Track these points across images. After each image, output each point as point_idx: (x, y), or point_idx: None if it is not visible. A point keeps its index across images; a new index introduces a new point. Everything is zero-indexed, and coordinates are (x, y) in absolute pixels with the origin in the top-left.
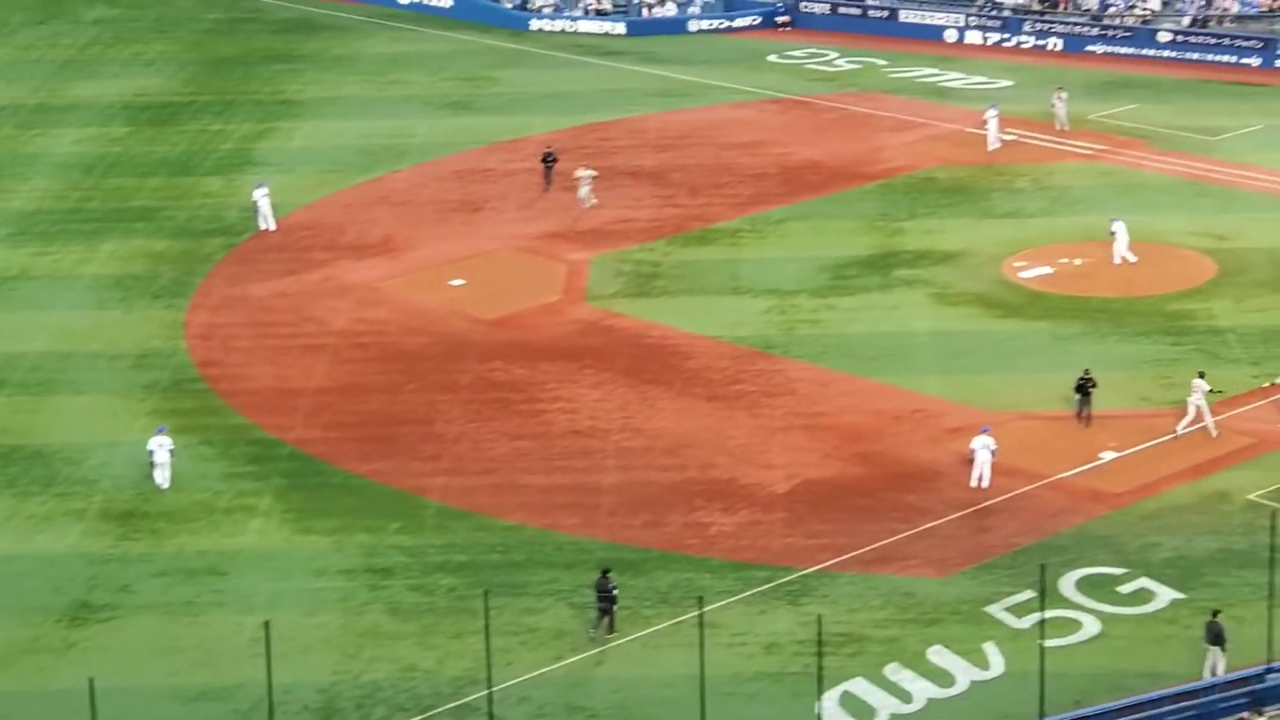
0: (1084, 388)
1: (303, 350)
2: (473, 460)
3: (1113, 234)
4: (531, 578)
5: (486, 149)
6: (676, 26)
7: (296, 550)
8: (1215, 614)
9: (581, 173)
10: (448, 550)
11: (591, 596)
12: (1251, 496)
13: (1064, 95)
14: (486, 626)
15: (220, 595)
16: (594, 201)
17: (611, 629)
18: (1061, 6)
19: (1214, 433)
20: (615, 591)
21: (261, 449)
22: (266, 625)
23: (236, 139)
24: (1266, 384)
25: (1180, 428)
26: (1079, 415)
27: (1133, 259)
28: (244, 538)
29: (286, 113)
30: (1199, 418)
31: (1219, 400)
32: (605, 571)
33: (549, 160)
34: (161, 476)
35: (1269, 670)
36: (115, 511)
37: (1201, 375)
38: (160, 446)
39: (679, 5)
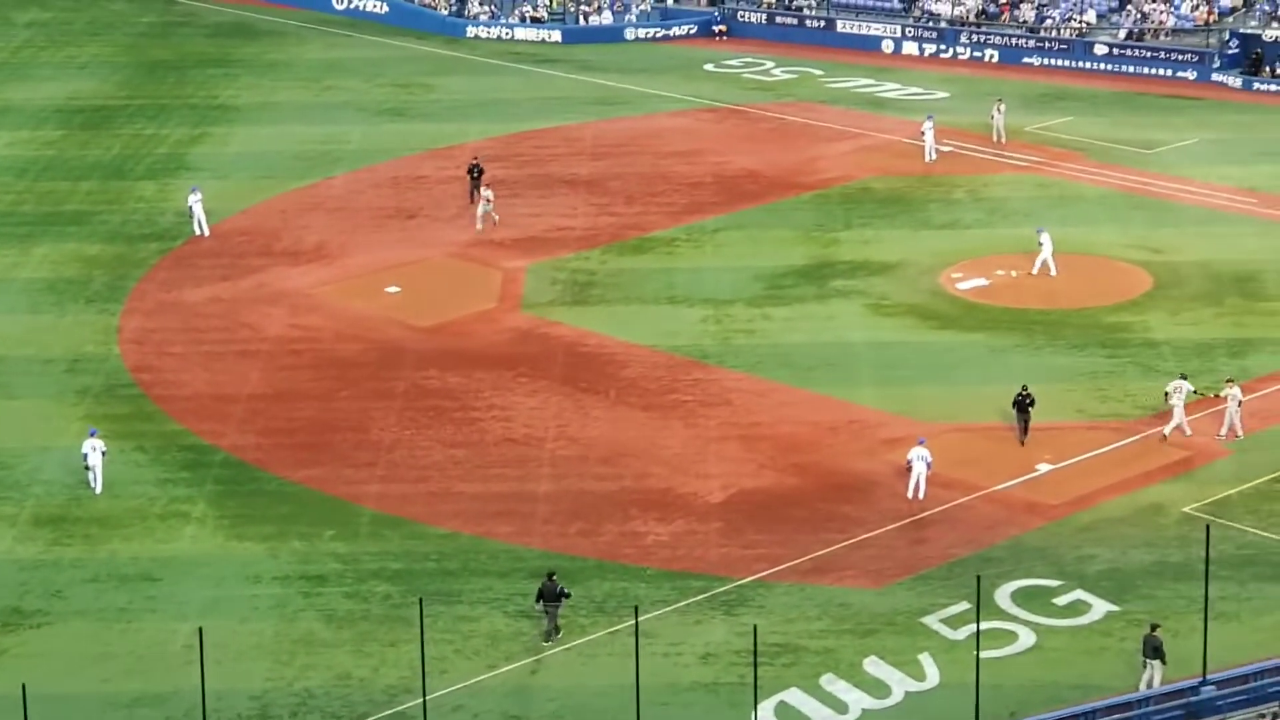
0: (1022, 404)
1: (237, 356)
2: (407, 468)
3: (1040, 245)
4: (466, 586)
5: (422, 156)
6: (613, 35)
7: (231, 557)
8: (1154, 627)
9: (484, 192)
10: (382, 558)
11: (528, 605)
12: (1186, 509)
13: (1003, 107)
14: (421, 634)
15: (153, 602)
16: (484, 221)
17: (549, 636)
18: (1004, 16)
19: (1166, 435)
20: (564, 590)
21: (195, 455)
22: (200, 632)
23: (171, 143)
24: (1212, 395)
25: (1167, 431)
26: (1021, 432)
27: (1036, 272)
28: (178, 544)
29: (221, 118)
30: (1170, 415)
31: (1193, 400)
32: (550, 575)
33: (474, 172)
34: (94, 479)
35: (1203, 683)
36: (47, 517)
37: (1184, 377)
38: (93, 449)
39: (615, 14)
